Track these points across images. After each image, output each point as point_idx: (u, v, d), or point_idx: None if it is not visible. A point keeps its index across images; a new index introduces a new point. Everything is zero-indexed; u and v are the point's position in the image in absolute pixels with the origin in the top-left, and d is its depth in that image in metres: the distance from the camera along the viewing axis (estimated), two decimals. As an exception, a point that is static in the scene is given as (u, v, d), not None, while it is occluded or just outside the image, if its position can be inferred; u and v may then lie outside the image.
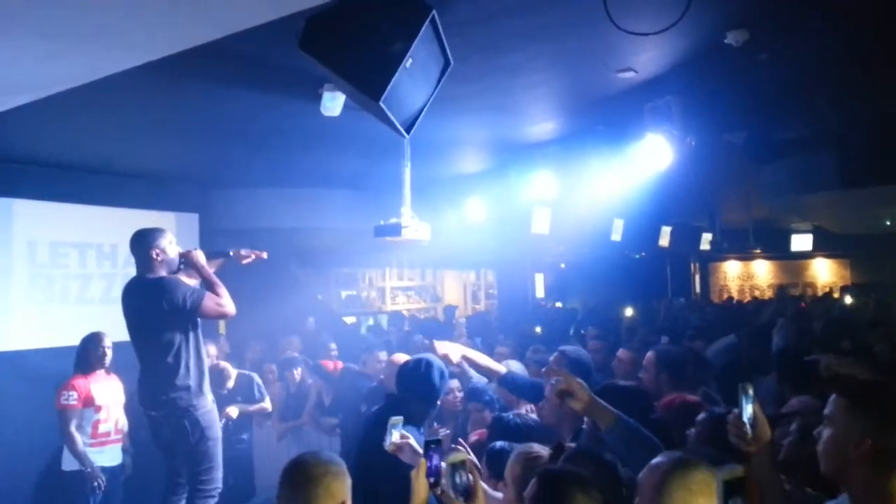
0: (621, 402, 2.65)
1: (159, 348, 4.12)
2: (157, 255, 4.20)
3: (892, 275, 16.03)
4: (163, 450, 4.31)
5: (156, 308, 4.10)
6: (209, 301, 4.12)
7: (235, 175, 8.08)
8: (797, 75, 5.35)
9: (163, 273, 4.21)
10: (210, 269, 4.31)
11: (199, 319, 4.21)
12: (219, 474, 4.23)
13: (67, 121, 5.21)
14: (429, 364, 3.52)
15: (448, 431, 4.51)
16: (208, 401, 4.25)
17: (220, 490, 4.23)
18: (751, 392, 2.18)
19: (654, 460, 1.96)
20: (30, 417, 5.90)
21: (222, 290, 4.21)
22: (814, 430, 2.08)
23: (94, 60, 3.33)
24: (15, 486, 5.92)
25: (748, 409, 2.16)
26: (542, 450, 2.58)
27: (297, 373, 6.77)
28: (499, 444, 2.97)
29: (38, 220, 6.65)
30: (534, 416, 3.58)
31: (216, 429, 4.26)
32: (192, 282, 4.30)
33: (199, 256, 4.31)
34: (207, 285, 4.23)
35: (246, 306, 8.22)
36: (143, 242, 4.25)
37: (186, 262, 4.31)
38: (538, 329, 9.42)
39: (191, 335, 4.18)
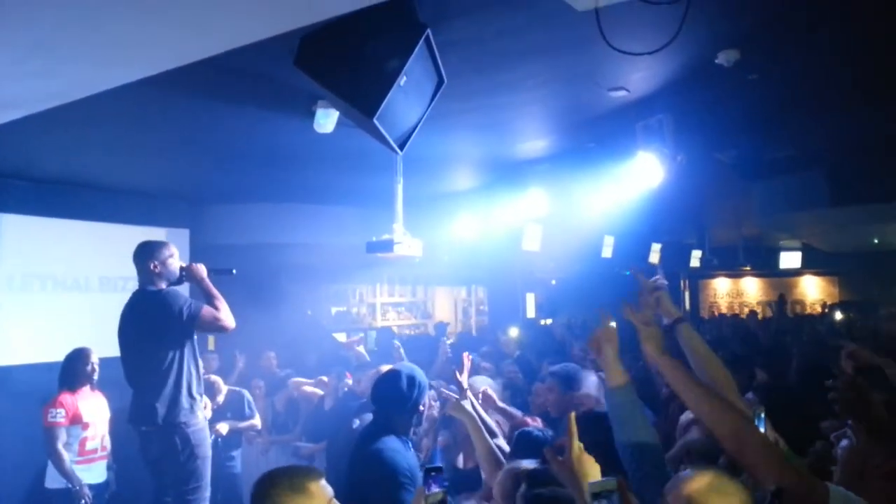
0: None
1: (155, 361, 4.08)
2: (156, 267, 4.19)
3: (880, 292, 16.13)
4: (151, 467, 4.23)
5: (154, 319, 4.08)
6: (207, 313, 4.10)
7: (227, 190, 8.06)
8: (787, 95, 5.40)
9: (162, 286, 4.21)
10: (210, 284, 4.30)
11: (195, 335, 4.18)
12: (206, 494, 4.16)
13: (58, 136, 5.19)
14: (397, 374, 3.47)
15: (444, 438, 4.45)
16: (200, 418, 4.20)
17: None
18: (762, 415, 2.22)
19: (684, 473, 1.84)
20: (13, 434, 5.83)
21: (222, 303, 4.20)
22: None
23: (90, 76, 3.32)
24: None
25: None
26: (530, 464, 2.57)
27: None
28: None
29: (27, 234, 6.60)
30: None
31: (206, 447, 4.20)
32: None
33: (201, 270, 4.31)
34: (207, 298, 4.21)
35: (237, 321, 8.28)
36: (143, 254, 4.25)
37: (188, 275, 4.30)
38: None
39: (187, 350, 4.14)
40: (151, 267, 4.19)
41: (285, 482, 2.14)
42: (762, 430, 2.25)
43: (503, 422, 4.27)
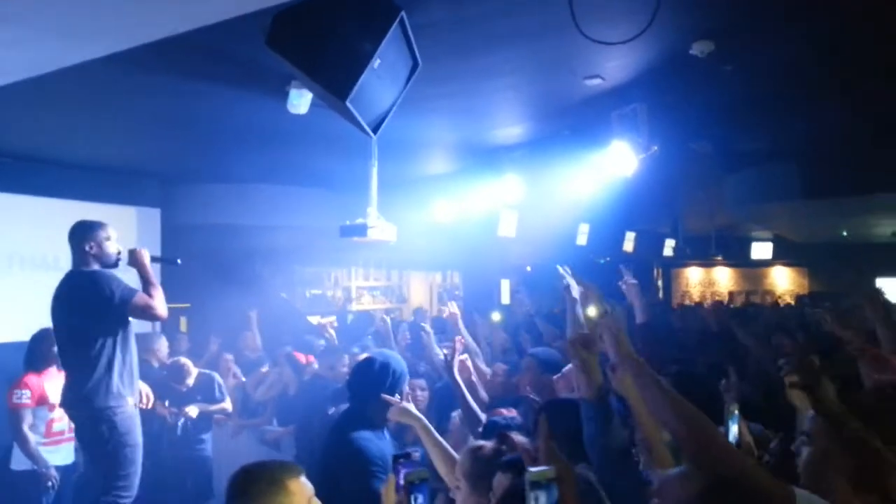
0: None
1: (84, 344, 3.97)
2: (91, 248, 4.07)
3: (849, 284, 16.42)
4: (84, 451, 4.15)
5: (84, 301, 3.97)
6: (140, 299, 3.98)
7: (199, 170, 7.98)
8: (761, 87, 5.45)
9: (96, 267, 4.08)
10: (151, 271, 4.16)
11: (129, 319, 4.06)
12: (135, 481, 4.02)
13: (25, 111, 5.09)
14: (373, 361, 3.45)
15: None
16: (129, 404, 4.05)
17: (132, 499, 4.01)
18: (736, 412, 2.23)
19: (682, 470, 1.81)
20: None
21: (158, 291, 4.07)
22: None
23: (57, 49, 3.26)
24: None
25: (733, 430, 2.21)
26: (489, 444, 2.57)
27: (262, 371, 6.71)
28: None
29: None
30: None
31: (136, 435, 4.04)
32: None
33: (144, 255, 4.18)
34: (144, 284, 4.09)
35: (208, 303, 8.22)
36: (77, 234, 4.12)
37: (131, 259, 4.16)
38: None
39: (119, 334, 4.02)
40: (87, 248, 4.07)
41: (265, 478, 2.09)
42: (735, 428, 2.26)
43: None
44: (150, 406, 4.44)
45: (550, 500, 1.47)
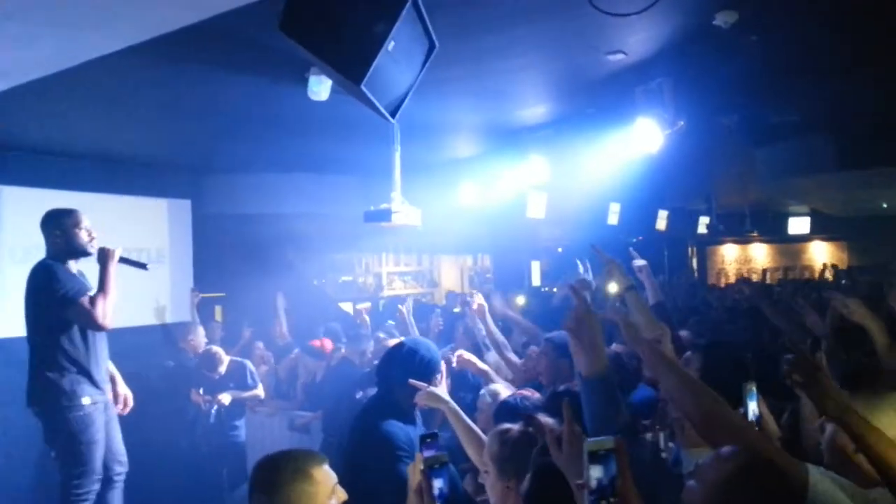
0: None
1: (36, 339, 3.96)
2: (59, 236, 4.00)
3: (890, 256, 16.02)
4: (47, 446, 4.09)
5: (35, 294, 3.94)
6: (84, 302, 3.86)
7: (227, 160, 8.05)
8: (789, 57, 5.30)
9: (71, 260, 4.03)
10: (111, 276, 4.02)
11: (73, 320, 3.97)
12: (94, 478, 3.99)
13: (54, 106, 5.18)
14: (403, 348, 3.44)
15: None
16: (84, 402, 3.97)
17: (90, 493, 3.99)
18: (754, 390, 2.19)
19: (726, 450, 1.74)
20: (15, 403, 5.89)
21: (106, 300, 3.93)
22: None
23: (71, 45, 3.28)
24: (13, 469, 5.89)
25: (752, 407, 2.17)
26: (515, 426, 2.55)
27: (291, 358, 6.79)
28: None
29: (28, 207, 6.57)
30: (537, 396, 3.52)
31: (91, 433, 3.98)
32: None
33: (111, 255, 4.04)
34: (98, 286, 3.98)
35: (242, 293, 8.32)
36: (44, 223, 4.06)
37: (100, 256, 4.05)
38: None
39: (65, 332, 3.93)
40: (55, 236, 4.00)
41: (289, 467, 2.10)
42: (754, 405, 2.22)
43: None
44: (125, 412, 4.37)
45: (609, 472, 1.45)
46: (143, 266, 4.33)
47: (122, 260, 4.15)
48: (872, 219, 16.54)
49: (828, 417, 1.92)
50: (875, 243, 17.11)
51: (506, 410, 3.15)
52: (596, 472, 1.44)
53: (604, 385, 2.17)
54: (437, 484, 1.94)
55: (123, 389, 4.38)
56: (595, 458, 1.46)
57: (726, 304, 7.58)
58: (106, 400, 4.16)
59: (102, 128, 6.08)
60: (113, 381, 4.34)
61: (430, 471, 1.93)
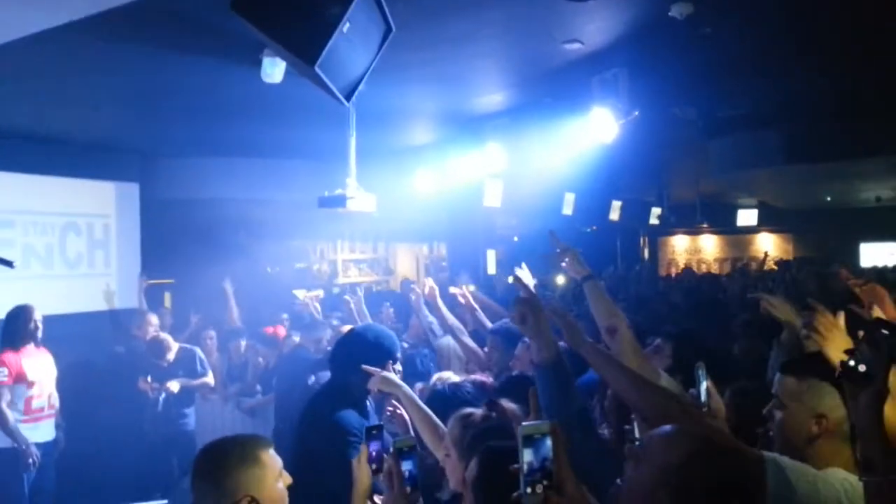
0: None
1: None
2: None
3: (833, 250, 16.51)
4: None
5: None
6: None
7: (178, 144, 7.86)
8: (742, 51, 5.38)
9: None
10: None
11: None
12: None
13: (-4, 85, 4.98)
14: (356, 334, 3.41)
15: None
16: None
17: None
18: (703, 371, 2.22)
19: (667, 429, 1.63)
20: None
21: None
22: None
23: (16, 16, 3.14)
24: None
25: (702, 389, 2.20)
26: (477, 411, 2.53)
27: (242, 345, 6.68)
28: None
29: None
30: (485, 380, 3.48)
31: None
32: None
33: None
34: None
35: (192, 279, 8.15)
36: None
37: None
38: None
39: None
40: None
41: (237, 452, 2.06)
42: (704, 386, 2.24)
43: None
44: None
45: (540, 455, 1.44)
46: (9, 264, 4.17)
47: None
48: (818, 212, 17.03)
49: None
50: (820, 236, 17.62)
51: (437, 398, 3.13)
52: (527, 456, 1.44)
53: (555, 372, 2.15)
54: (406, 466, 1.99)
55: None
56: (529, 441, 1.45)
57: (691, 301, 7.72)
58: None
59: (46, 108, 5.86)
60: None
61: (399, 454, 1.99)
